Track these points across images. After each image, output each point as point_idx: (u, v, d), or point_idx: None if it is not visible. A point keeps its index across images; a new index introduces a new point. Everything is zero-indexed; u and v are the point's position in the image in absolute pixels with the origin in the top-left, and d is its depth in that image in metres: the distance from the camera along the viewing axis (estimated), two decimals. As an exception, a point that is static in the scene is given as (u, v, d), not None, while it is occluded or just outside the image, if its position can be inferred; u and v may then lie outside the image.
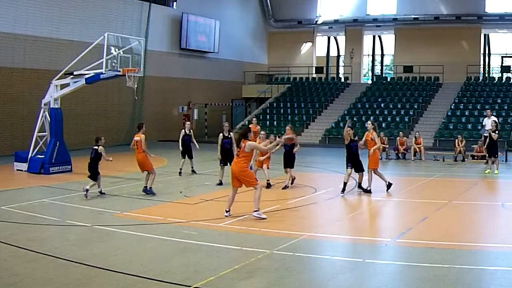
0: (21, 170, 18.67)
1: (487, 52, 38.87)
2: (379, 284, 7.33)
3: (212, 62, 36.79)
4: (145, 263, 8.12)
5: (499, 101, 31.91)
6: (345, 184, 14.10)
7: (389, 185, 14.50)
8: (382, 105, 33.97)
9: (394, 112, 32.91)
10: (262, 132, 16.24)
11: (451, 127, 29.92)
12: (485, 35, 37.85)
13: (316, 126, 33.32)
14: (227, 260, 8.27)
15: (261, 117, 34.90)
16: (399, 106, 33.51)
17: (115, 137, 28.08)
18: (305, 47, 41.66)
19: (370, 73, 42.82)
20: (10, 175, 18.26)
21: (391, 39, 39.48)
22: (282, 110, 35.82)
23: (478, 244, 9.31)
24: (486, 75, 37.77)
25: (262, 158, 15.37)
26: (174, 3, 33.80)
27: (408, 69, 36.77)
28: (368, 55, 42.17)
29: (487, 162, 19.29)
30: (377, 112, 33.24)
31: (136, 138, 14.39)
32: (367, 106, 34.23)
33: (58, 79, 18.79)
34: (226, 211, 11.29)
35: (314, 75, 40.97)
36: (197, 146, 18.50)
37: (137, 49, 19.35)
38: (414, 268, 7.92)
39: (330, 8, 39.67)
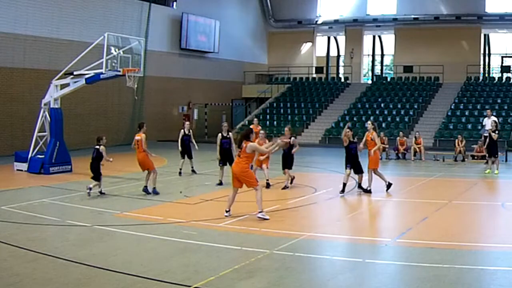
0: (21, 170, 18.67)
1: (487, 52, 38.86)
2: (379, 284, 7.33)
3: (212, 62, 36.79)
4: (145, 263, 8.12)
5: (499, 101, 31.90)
6: (344, 184, 14.11)
7: (389, 185, 14.50)
8: (382, 105, 33.97)
9: (394, 112, 32.91)
10: (262, 132, 16.23)
11: (451, 127, 29.92)
12: (485, 35, 37.85)
13: (316, 126, 33.32)
14: (227, 260, 8.27)
15: (261, 117, 34.87)
16: (399, 106, 33.51)
17: (115, 137, 28.06)
18: (305, 47, 41.66)
19: (370, 73, 42.82)
20: (10, 175, 18.26)
21: (391, 39, 39.47)
22: (282, 110, 35.83)
23: (478, 244, 9.31)
24: (486, 75, 37.77)
25: (261, 158, 15.37)
26: (174, 3, 33.80)
27: (408, 69, 36.77)
28: (368, 55, 42.17)
29: (487, 162, 19.29)
30: (377, 112, 33.24)
31: (137, 137, 14.41)
32: (367, 106, 34.23)
33: (58, 79, 18.79)
34: (226, 211, 11.30)
35: (314, 75, 40.97)
36: (196, 146, 18.51)
37: (137, 49, 19.36)
38: (414, 268, 7.92)
39: (330, 8, 39.67)
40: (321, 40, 42.83)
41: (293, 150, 15.19)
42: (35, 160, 18.47)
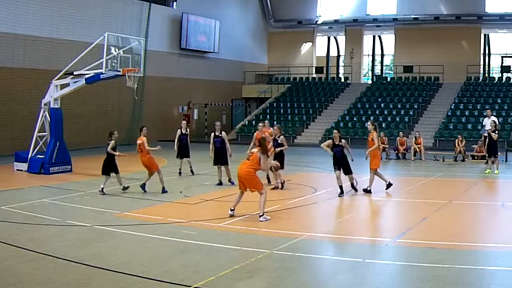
0: (21, 170, 18.68)
1: (487, 52, 38.86)
2: (379, 284, 7.33)
3: (212, 62, 36.79)
4: (145, 263, 8.13)
5: (499, 101, 31.91)
6: (340, 187, 13.98)
7: (388, 185, 14.47)
8: (382, 105, 33.97)
9: (394, 112, 32.91)
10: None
11: (451, 127, 29.91)
12: (485, 35, 37.85)
13: (316, 126, 33.32)
14: (227, 260, 8.27)
15: (261, 117, 34.86)
16: (399, 106, 33.51)
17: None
18: (305, 47, 41.65)
19: (370, 73, 42.82)
20: (10, 175, 18.26)
21: (391, 39, 39.47)
22: (282, 110, 35.83)
23: (478, 244, 9.32)
24: (486, 75, 37.77)
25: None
26: (174, 3, 33.80)
27: (408, 69, 36.77)
28: (368, 55, 42.16)
29: (487, 162, 19.29)
30: (377, 112, 33.24)
31: (138, 141, 14.61)
32: (367, 106, 34.23)
33: (58, 79, 18.79)
34: (231, 210, 11.31)
35: (314, 75, 40.97)
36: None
37: (137, 49, 19.36)
38: (414, 268, 7.93)
39: (330, 8, 39.67)
40: (321, 40, 42.83)
41: (282, 148, 15.18)
42: (35, 160, 18.47)
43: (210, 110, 36.04)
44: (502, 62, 36.72)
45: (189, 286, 7.09)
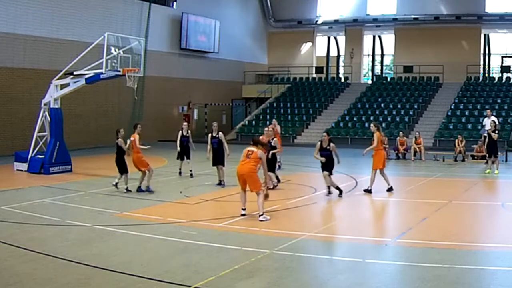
0: (21, 170, 18.67)
1: (487, 52, 38.86)
2: (379, 284, 7.33)
3: (212, 62, 36.79)
4: (145, 263, 8.13)
5: (499, 101, 31.91)
6: (337, 188, 13.86)
7: (390, 189, 14.43)
8: (382, 105, 33.97)
9: (394, 112, 32.91)
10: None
11: (451, 127, 29.92)
12: (485, 35, 37.85)
13: (316, 126, 33.31)
14: (227, 260, 8.27)
15: (261, 117, 34.96)
16: (399, 106, 33.51)
17: (115, 137, 27.98)
18: (305, 47, 41.65)
19: (370, 73, 42.82)
20: (10, 175, 18.26)
21: (391, 39, 39.47)
22: (282, 110, 35.83)
23: (478, 244, 9.32)
24: (486, 75, 37.77)
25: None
26: (174, 3, 33.80)
27: (408, 69, 36.77)
28: (368, 55, 42.16)
29: (487, 162, 19.28)
30: (377, 112, 33.24)
31: (131, 138, 14.58)
32: (367, 106, 34.23)
33: (58, 79, 18.79)
34: (243, 209, 11.34)
35: (314, 75, 40.97)
36: (193, 147, 18.28)
37: (137, 49, 19.34)
38: (414, 268, 7.93)
39: (330, 8, 39.67)
40: (321, 40, 42.82)
41: (275, 151, 15.18)
42: (35, 160, 18.47)
43: (210, 110, 36.04)
44: (502, 62, 36.72)
45: (189, 286, 7.09)
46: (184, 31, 34.02)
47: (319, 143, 13.83)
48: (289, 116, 34.75)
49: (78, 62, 18.53)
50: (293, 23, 40.52)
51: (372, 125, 14.87)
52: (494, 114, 24.32)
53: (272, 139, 15.45)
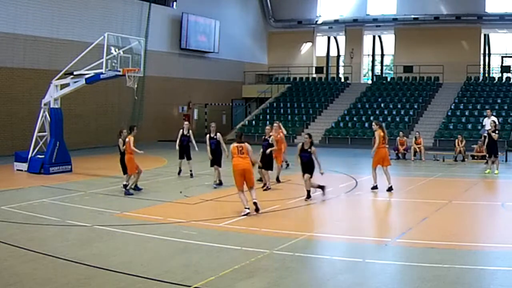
0: (21, 170, 18.67)
1: (487, 52, 38.86)
2: (379, 284, 7.34)
3: (212, 62, 36.79)
4: (145, 263, 8.13)
5: (499, 101, 31.90)
6: (318, 186, 13.59)
7: (389, 188, 14.45)
8: (382, 105, 33.96)
9: (394, 112, 32.90)
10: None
11: (451, 127, 29.91)
12: (485, 35, 37.83)
13: (316, 126, 33.31)
14: (227, 260, 8.27)
15: (261, 117, 34.95)
16: (399, 106, 33.50)
17: (115, 137, 27.91)
18: (305, 47, 41.64)
19: (370, 73, 42.82)
20: (10, 175, 18.26)
21: (391, 39, 39.45)
22: (282, 110, 35.82)
23: (478, 244, 9.32)
24: (486, 75, 37.75)
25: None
26: (174, 3, 33.79)
27: (408, 69, 36.76)
28: (368, 55, 42.16)
29: (487, 162, 19.29)
30: (377, 112, 33.23)
31: (126, 139, 14.58)
32: (367, 106, 34.22)
33: (58, 79, 18.79)
34: (246, 208, 11.40)
35: (314, 75, 40.96)
36: (196, 148, 18.23)
37: (137, 49, 19.34)
38: (414, 268, 7.93)
39: (330, 8, 39.65)
40: (321, 40, 42.81)
41: (272, 149, 15.28)
42: (35, 160, 18.47)
43: (210, 110, 36.04)
44: (502, 62, 36.70)
45: (189, 286, 7.09)
46: (184, 31, 34.01)
47: (300, 144, 13.73)
48: (289, 116, 34.73)
49: (78, 62, 18.53)
50: (293, 23, 40.51)
51: (373, 123, 14.93)
52: (494, 114, 24.31)
53: (269, 136, 15.55)
